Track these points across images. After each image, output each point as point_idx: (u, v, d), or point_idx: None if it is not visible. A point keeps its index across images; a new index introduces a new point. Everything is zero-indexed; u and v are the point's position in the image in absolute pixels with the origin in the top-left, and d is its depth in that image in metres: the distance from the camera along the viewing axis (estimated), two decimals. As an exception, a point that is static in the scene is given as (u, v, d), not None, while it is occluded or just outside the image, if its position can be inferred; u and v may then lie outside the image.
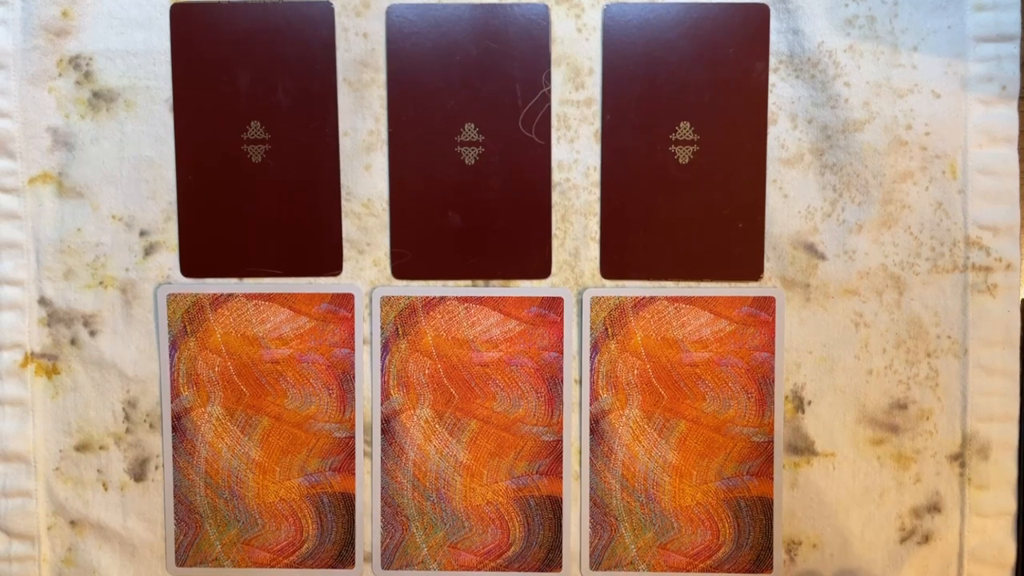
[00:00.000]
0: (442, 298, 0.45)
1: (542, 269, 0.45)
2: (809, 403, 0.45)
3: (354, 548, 0.46)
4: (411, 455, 0.46)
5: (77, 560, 0.46)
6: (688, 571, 0.46)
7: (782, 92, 0.44)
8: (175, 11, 0.44)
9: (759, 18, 0.44)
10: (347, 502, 0.46)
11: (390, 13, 0.44)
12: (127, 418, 0.46)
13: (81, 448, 0.46)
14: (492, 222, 0.45)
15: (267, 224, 0.45)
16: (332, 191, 0.45)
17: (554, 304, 0.45)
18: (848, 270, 0.45)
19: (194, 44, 0.44)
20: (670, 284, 0.45)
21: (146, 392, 0.46)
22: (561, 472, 0.45)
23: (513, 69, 0.44)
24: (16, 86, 0.45)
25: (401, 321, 0.45)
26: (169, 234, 0.45)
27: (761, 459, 0.45)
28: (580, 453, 0.46)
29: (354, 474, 0.46)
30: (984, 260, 0.44)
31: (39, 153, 0.45)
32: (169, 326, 0.45)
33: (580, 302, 0.45)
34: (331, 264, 0.45)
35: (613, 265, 0.45)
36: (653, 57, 0.44)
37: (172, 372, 0.45)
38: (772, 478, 0.45)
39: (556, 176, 0.45)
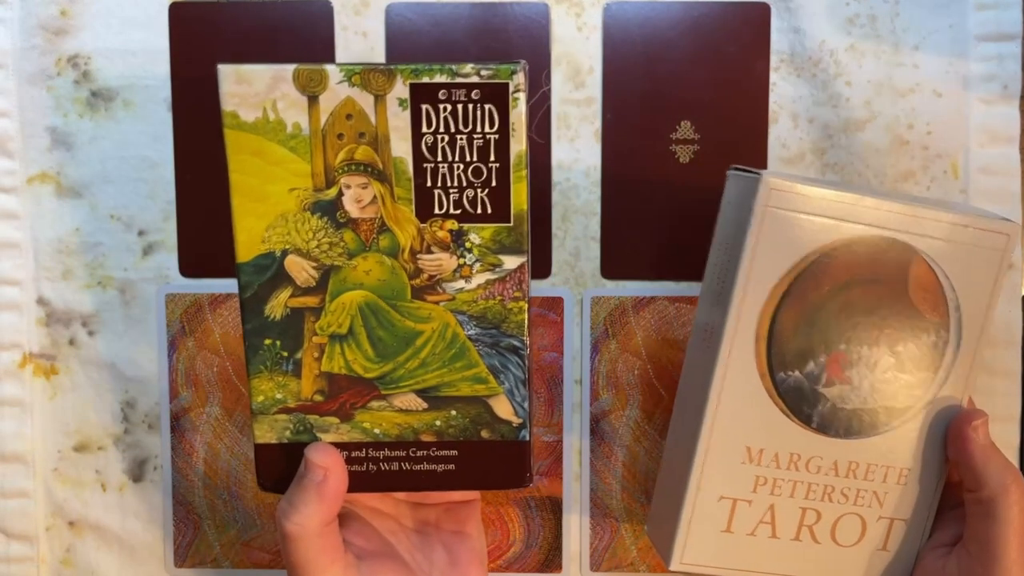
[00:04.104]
0: (442, 298, 0.45)
1: (542, 269, 0.45)
2: (810, 403, 0.45)
3: (353, 549, 0.46)
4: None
5: (76, 561, 0.46)
6: (689, 572, 0.46)
7: (783, 91, 0.44)
8: (174, 10, 0.44)
9: (760, 17, 0.44)
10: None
11: (389, 12, 0.44)
12: (125, 418, 0.46)
13: (80, 449, 0.46)
14: (492, 222, 0.45)
15: (266, 224, 0.45)
16: (331, 191, 0.45)
17: (554, 304, 0.45)
18: (849, 270, 0.44)
19: (193, 43, 0.44)
20: (670, 284, 0.45)
21: (145, 392, 0.46)
22: (561, 473, 0.45)
23: (513, 68, 0.44)
24: (15, 85, 0.45)
25: (401, 321, 0.45)
26: (168, 234, 0.45)
27: (762, 460, 0.45)
28: (580, 453, 0.45)
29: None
30: (986, 260, 0.44)
31: (38, 152, 0.45)
32: (168, 326, 0.45)
33: (580, 302, 0.45)
34: (330, 264, 0.45)
35: (613, 265, 0.45)
36: (653, 56, 0.44)
37: (171, 372, 0.45)
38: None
39: (556, 176, 0.44)
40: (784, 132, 0.44)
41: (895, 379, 0.35)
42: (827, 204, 0.34)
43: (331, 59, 0.44)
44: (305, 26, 0.44)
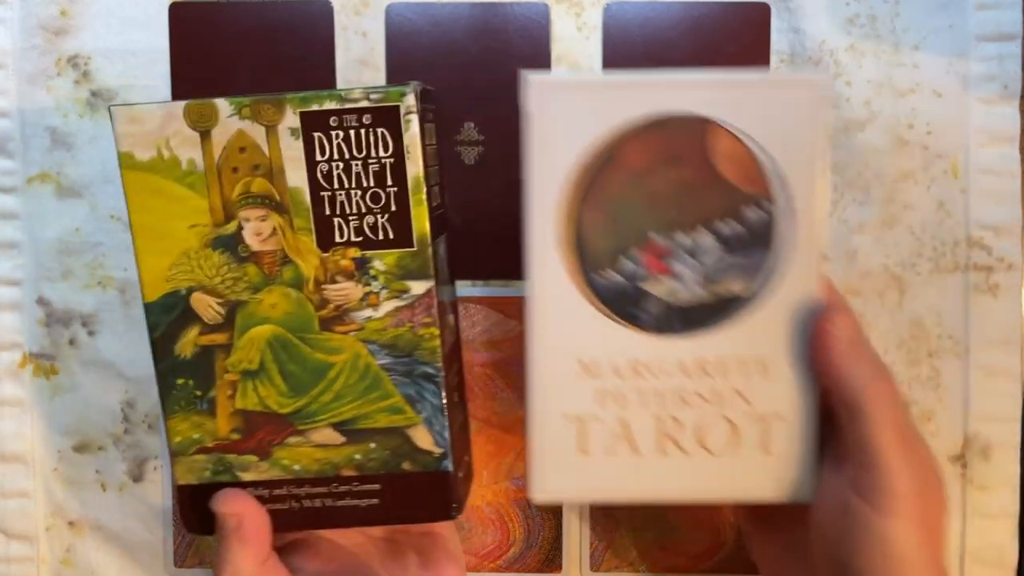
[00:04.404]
0: (442, 298, 0.45)
1: (542, 269, 0.45)
2: (810, 403, 0.45)
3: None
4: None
5: (76, 561, 0.46)
6: (689, 572, 0.45)
7: (783, 91, 0.44)
8: (174, 10, 0.44)
9: (760, 17, 0.44)
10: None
11: (389, 12, 0.44)
12: (125, 419, 0.46)
13: (79, 449, 0.46)
14: (492, 222, 0.44)
15: (266, 224, 0.45)
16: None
17: (554, 304, 0.45)
18: (849, 270, 0.44)
19: (193, 44, 0.44)
20: (670, 284, 0.45)
21: (145, 393, 0.45)
22: (561, 473, 0.45)
23: (513, 68, 0.44)
24: (15, 85, 0.45)
25: (401, 321, 0.45)
26: (168, 234, 0.45)
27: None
28: (580, 454, 0.45)
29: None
30: (986, 260, 0.44)
31: (38, 153, 0.45)
32: (168, 326, 0.45)
33: (580, 302, 0.45)
34: (330, 264, 0.45)
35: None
36: (653, 56, 0.44)
37: (171, 372, 0.45)
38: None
39: (556, 176, 0.44)
40: (784, 132, 0.44)
41: (725, 262, 0.33)
42: (603, 92, 0.32)
43: (331, 59, 0.44)
44: (305, 26, 0.44)
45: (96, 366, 0.45)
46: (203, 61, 0.44)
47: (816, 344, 0.33)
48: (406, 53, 0.44)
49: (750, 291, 0.33)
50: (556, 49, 0.44)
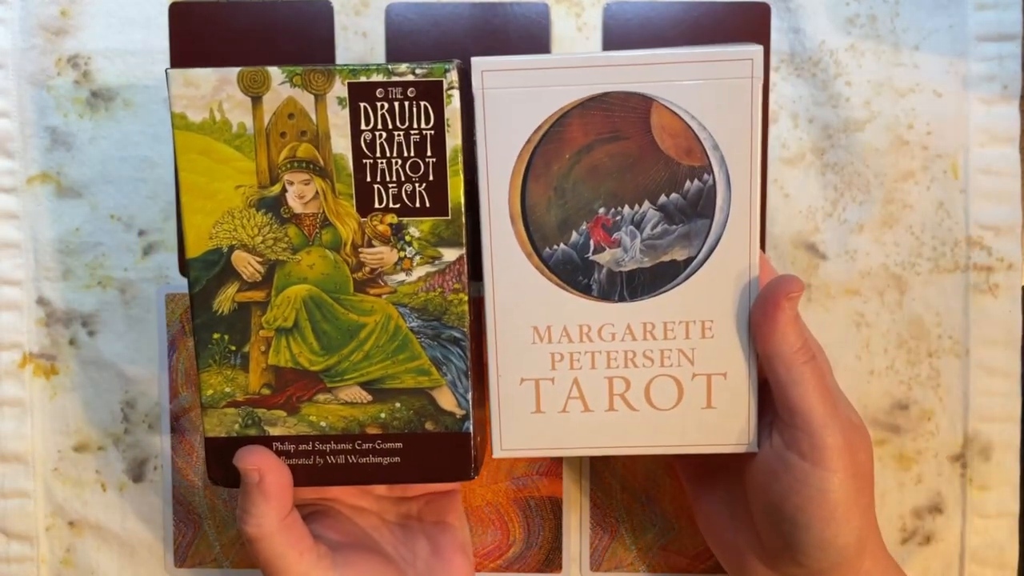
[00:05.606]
0: (442, 298, 0.45)
1: (542, 269, 0.45)
2: (810, 403, 0.45)
3: (353, 549, 0.46)
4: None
5: (76, 561, 0.46)
6: (689, 572, 0.46)
7: (783, 91, 0.44)
8: (174, 10, 0.44)
9: (760, 17, 0.44)
10: (346, 503, 0.45)
11: (389, 12, 0.44)
12: (125, 418, 0.46)
13: (79, 449, 0.46)
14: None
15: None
16: (331, 191, 0.45)
17: (554, 304, 0.45)
18: (849, 270, 0.44)
19: (193, 43, 0.44)
20: (670, 284, 0.45)
21: (145, 392, 0.46)
22: (561, 473, 0.45)
23: (513, 68, 0.44)
24: (15, 85, 0.45)
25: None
26: (168, 233, 0.45)
27: (762, 460, 0.45)
28: (580, 454, 0.45)
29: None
30: (986, 260, 0.44)
31: (38, 153, 0.45)
32: (168, 326, 0.45)
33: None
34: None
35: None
36: (653, 56, 0.44)
37: (171, 372, 0.45)
38: (773, 479, 0.45)
39: (556, 176, 0.44)
40: (784, 132, 0.44)
41: (668, 232, 0.35)
42: (545, 73, 0.34)
43: (331, 60, 0.44)
44: (305, 26, 0.44)
45: (96, 366, 0.45)
46: (203, 61, 0.44)
47: (765, 313, 0.35)
48: (406, 53, 0.44)
49: (691, 259, 0.35)
50: (556, 49, 0.44)
